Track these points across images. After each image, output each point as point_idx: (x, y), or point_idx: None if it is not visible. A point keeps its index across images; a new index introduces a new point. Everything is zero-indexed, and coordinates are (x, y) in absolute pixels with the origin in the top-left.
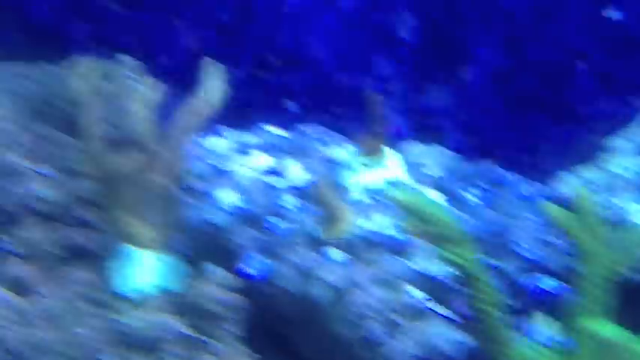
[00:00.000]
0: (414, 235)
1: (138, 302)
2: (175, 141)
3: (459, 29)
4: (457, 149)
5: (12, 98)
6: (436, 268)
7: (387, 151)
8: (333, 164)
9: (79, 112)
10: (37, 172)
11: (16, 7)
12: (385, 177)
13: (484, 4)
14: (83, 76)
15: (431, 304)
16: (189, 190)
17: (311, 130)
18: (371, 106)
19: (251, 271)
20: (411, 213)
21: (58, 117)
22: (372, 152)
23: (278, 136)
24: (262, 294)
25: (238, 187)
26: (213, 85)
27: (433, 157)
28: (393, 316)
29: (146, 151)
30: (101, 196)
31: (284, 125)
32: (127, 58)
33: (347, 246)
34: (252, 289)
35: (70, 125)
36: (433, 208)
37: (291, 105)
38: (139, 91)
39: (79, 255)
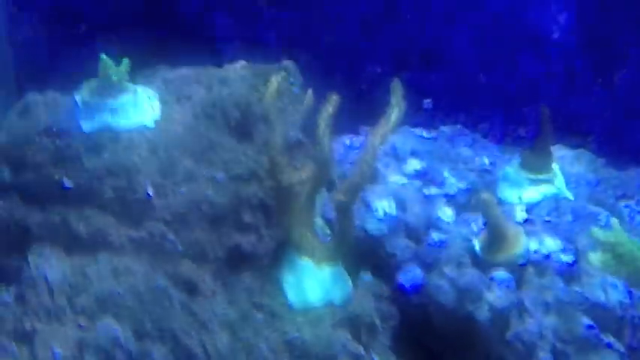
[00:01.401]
0: (606, 271)
1: (307, 315)
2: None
3: (614, 31)
4: (604, 154)
5: (182, 102)
6: (608, 296)
7: (555, 167)
8: (489, 174)
9: (266, 127)
10: (207, 176)
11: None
12: (547, 192)
13: None
14: (273, 93)
15: (602, 336)
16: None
17: (454, 131)
18: (543, 121)
19: (406, 282)
20: (612, 252)
21: (227, 122)
22: (539, 168)
23: (426, 138)
24: (417, 307)
25: (393, 194)
26: (398, 108)
27: (583, 164)
28: (564, 347)
29: (312, 160)
30: (274, 205)
31: (424, 125)
32: (289, 64)
33: (515, 268)
34: (407, 300)
35: (238, 130)
36: (639, 252)
37: (430, 104)
38: (300, 99)
39: (246, 261)
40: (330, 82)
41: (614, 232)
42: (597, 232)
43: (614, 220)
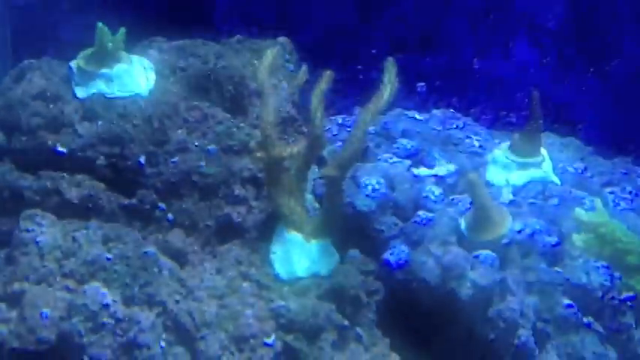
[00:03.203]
0: (588, 252)
1: (294, 286)
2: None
3: (607, 21)
4: (593, 143)
5: (177, 74)
6: (590, 279)
7: (543, 152)
8: (479, 156)
9: (259, 101)
10: (199, 147)
11: None
12: (534, 176)
13: None
14: (267, 67)
15: (582, 317)
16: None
17: (445, 114)
18: (533, 105)
19: (392, 258)
20: (594, 233)
21: (221, 95)
22: (527, 152)
23: (418, 120)
24: (402, 283)
25: (382, 172)
26: (391, 85)
27: (571, 151)
28: (545, 326)
29: (305, 134)
30: (264, 178)
31: (417, 107)
32: (285, 40)
33: (500, 248)
34: (392, 276)
35: (232, 103)
36: (622, 234)
37: (424, 87)
38: (293, 75)
39: (235, 232)
40: (326, 62)
41: (596, 213)
42: (580, 212)
43: (597, 201)
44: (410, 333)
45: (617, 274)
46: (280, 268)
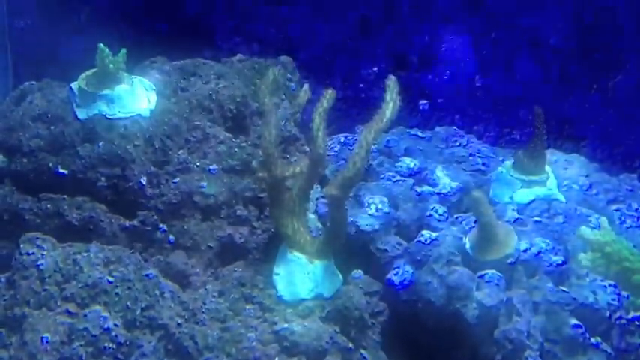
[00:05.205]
0: (595, 271)
1: (297, 308)
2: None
3: (609, 37)
4: (597, 159)
5: (179, 94)
6: (597, 298)
7: (548, 169)
8: (482, 174)
9: (261, 122)
10: (201, 167)
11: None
12: (539, 193)
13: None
14: (268, 86)
15: (590, 337)
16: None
17: (448, 132)
18: (536, 122)
19: (396, 279)
20: (600, 252)
21: (222, 115)
22: (531, 169)
23: (421, 138)
24: (406, 303)
25: (386, 191)
26: (393, 103)
27: (575, 168)
28: (552, 347)
29: (306, 154)
30: (266, 198)
31: (419, 125)
32: (286, 59)
33: (505, 267)
34: (397, 296)
35: (233, 123)
36: (628, 252)
37: (427, 105)
38: (295, 94)
39: (237, 253)
40: (327, 80)
41: (602, 231)
42: (585, 231)
43: (603, 219)
44: (415, 354)
45: (624, 293)
46: (283, 290)
